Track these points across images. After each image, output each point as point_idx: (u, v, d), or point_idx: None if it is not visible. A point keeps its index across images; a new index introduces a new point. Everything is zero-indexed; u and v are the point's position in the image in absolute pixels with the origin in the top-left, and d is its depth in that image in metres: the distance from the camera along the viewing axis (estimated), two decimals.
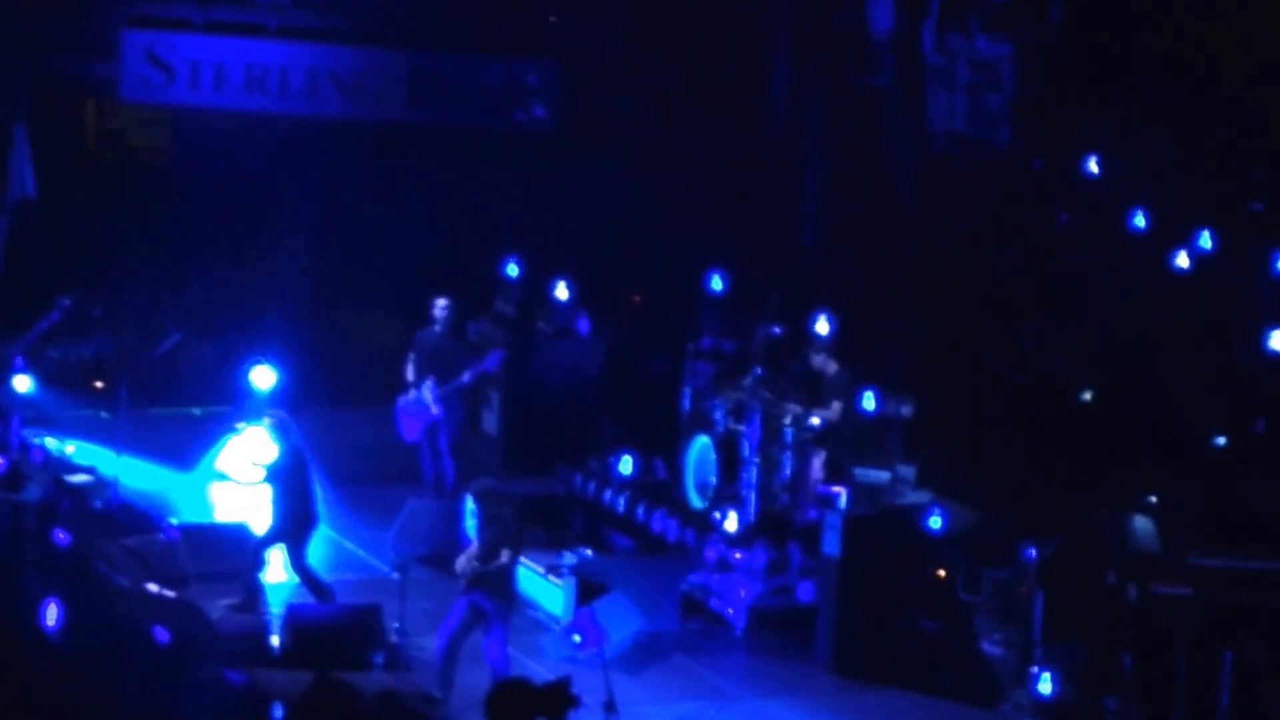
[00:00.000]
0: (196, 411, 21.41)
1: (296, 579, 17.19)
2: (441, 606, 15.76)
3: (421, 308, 20.90)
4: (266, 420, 17.28)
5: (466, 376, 20.29)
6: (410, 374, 20.37)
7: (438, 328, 20.51)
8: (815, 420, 18.44)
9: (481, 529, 15.47)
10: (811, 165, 23.89)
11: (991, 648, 16.24)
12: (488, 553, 15.28)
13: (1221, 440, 18.30)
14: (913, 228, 22.16)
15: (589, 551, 18.45)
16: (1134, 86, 20.83)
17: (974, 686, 16.15)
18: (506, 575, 15.34)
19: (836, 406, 18.54)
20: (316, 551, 17.68)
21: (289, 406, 18.22)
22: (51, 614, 14.83)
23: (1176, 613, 15.41)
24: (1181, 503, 16.99)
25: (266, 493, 17.44)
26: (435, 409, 20.15)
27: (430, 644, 15.59)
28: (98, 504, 18.26)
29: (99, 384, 21.41)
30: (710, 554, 18.23)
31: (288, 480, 17.10)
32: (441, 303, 20.50)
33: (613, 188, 23.28)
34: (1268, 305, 18.61)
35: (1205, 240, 19.37)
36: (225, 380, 20.82)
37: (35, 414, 20.04)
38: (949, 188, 22.03)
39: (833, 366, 18.75)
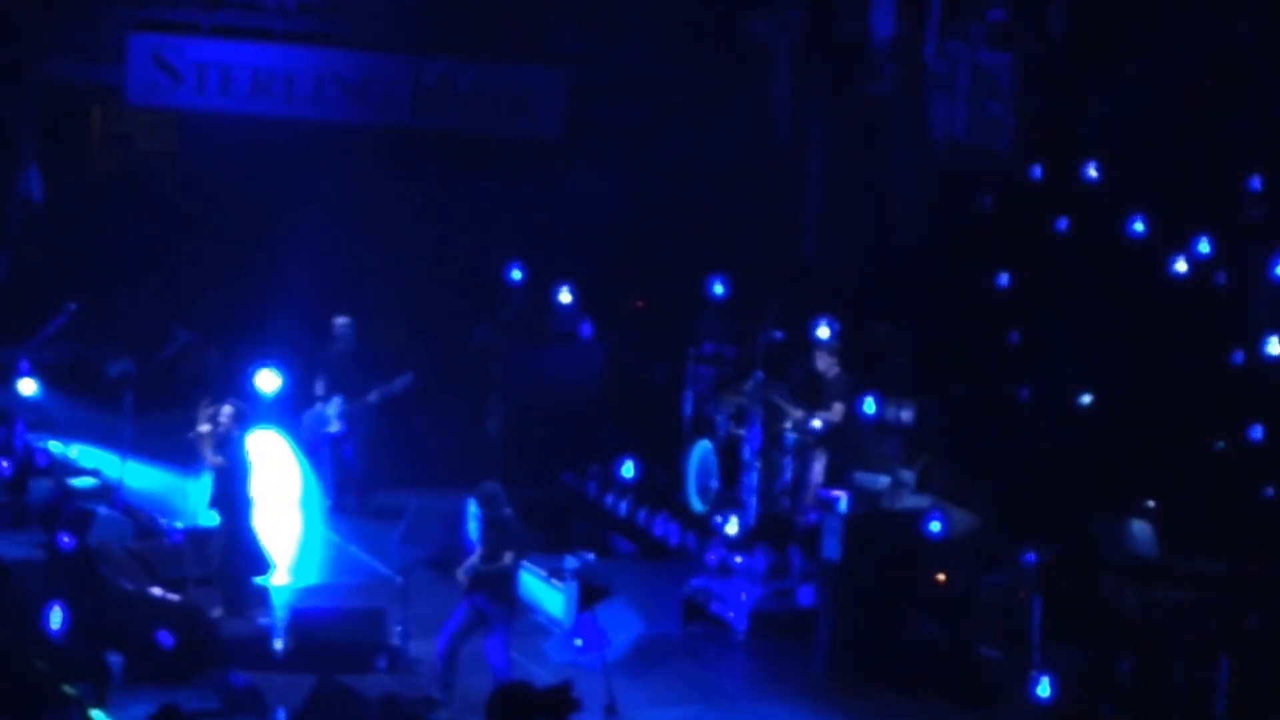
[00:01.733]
0: None
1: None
2: (444, 610, 15.78)
3: (425, 311, 20.93)
4: (228, 408, 17.21)
5: (373, 397, 20.46)
6: (320, 390, 20.53)
7: (340, 345, 20.66)
8: (816, 424, 18.51)
9: (484, 532, 15.52)
10: (813, 171, 23.94)
11: (990, 652, 16.29)
12: (490, 556, 15.34)
13: (1220, 446, 18.34)
14: (913, 233, 22.22)
15: (591, 555, 18.51)
16: (1134, 92, 20.85)
17: (972, 691, 16.17)
18: (509, 578, 15.40)
19: (838, 410, 18.60)
20: (318, 554, 17.72)
21: (292, 410, 18.25)
22: (56, 617, 14.91)
23: (1174, 618, 15.44)
24: (1180, 508, 17.06)
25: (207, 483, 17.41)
26: (336, 426, 20.32)
27: (432, 647, 15.65)
28: (102, 507, 18.32)
29: (104, 387, 21.47)
30: (711, 558, 18.28)
31: (228, 468, 17.08)
32: (341, 320, 20.70)
33: (616, 194, 23.35)
34: (1265, 311, 18.63)
35: (1204, 246, 19.39)
36: (230, 384, 20.86)
37: (40, 417, 20.12)
38: (950, 194, 22.08)
39: (834, 371, 18.80)
